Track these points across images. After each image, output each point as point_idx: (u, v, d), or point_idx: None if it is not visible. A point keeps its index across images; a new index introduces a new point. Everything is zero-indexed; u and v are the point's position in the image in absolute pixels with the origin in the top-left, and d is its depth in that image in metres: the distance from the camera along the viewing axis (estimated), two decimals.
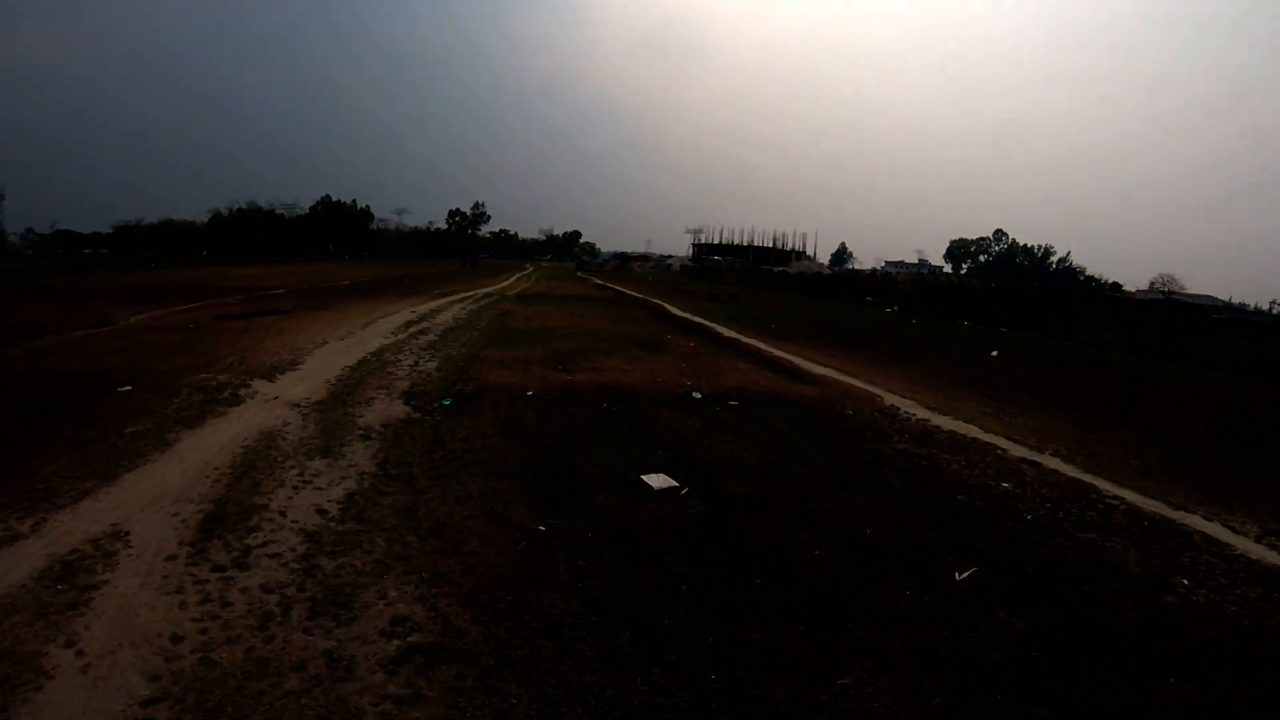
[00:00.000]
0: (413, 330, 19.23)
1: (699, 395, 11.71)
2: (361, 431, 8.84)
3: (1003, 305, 45.88)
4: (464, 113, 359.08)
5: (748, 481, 7.56)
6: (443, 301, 29.94)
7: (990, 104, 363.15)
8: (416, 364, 13.73)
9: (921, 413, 11.56)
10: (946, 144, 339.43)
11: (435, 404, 10.42)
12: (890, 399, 12.58)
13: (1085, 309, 50.08)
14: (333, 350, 14.97)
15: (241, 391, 10.68)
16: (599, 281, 61.67)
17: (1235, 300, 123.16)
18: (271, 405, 9.99)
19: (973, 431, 10.45)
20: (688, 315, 27.94)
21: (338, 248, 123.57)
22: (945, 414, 11.50)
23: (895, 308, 42.23)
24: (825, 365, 16.17)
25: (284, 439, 8.40)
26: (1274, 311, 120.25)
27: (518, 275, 68.71)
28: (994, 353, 21.65)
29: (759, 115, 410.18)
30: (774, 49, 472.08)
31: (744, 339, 20.34)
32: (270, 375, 11.92)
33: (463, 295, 34.71)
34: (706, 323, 25.01)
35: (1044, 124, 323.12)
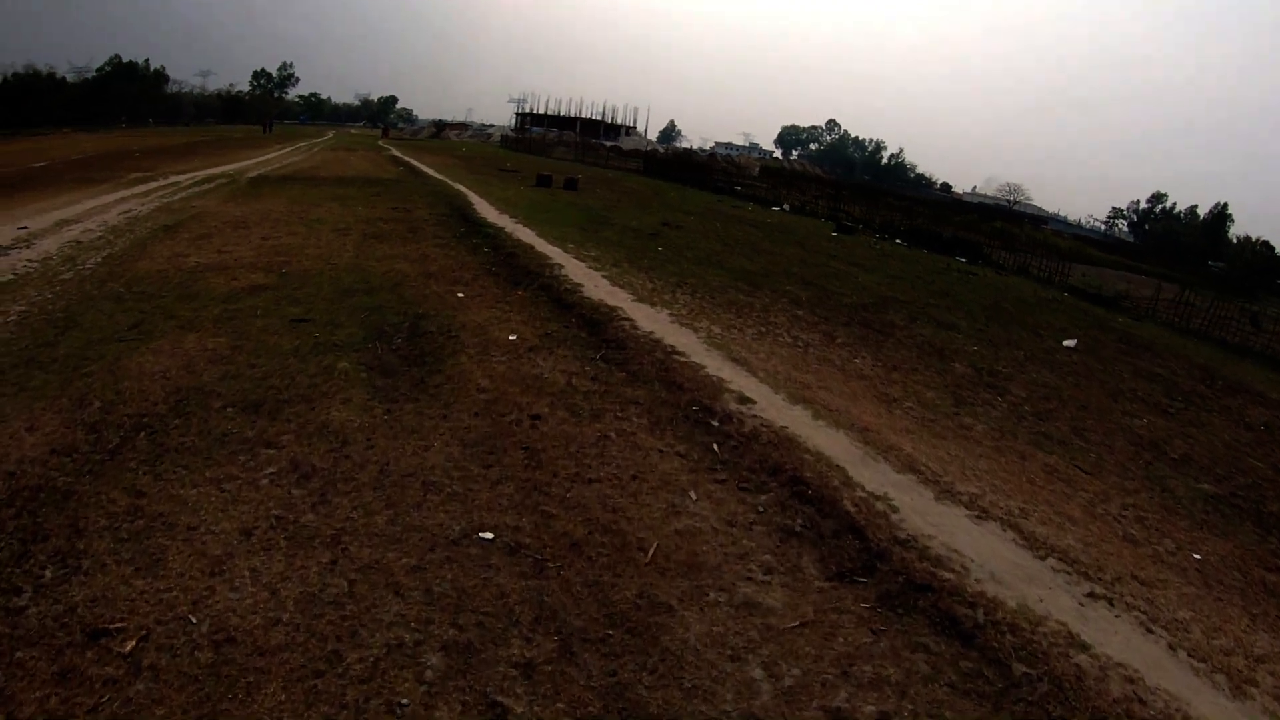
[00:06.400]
0: None
1: None
2: None
3: (895, 209, 36.15)
4: None
5: None
6: (112, 197, 17.39)
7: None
8: None
9: None
10: (781, 33, 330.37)
11: None
12: None
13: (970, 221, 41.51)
14: None
15: None
16: (396, 154, 48.20)
17: (1060, 213, 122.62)
18: None
19: None
20: (505, 221, 16.24)
21: (129, 114, 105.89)
22: None
23: (785, 207, 31.95)
24: (970, 492, 5.50)
25: None
26: (1093, 226, 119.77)
27: (303, 144, 54.85)
28: (1069, 342, 11.76)
29: None
30: None
31: (660, 327, 8.71)
32: None
33: (171, 180, 22.19)
34: (547, 245, 13.42)
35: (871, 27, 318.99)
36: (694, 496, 4.72)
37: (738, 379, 6.88)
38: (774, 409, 6.25)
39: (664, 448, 5.34)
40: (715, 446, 5.44)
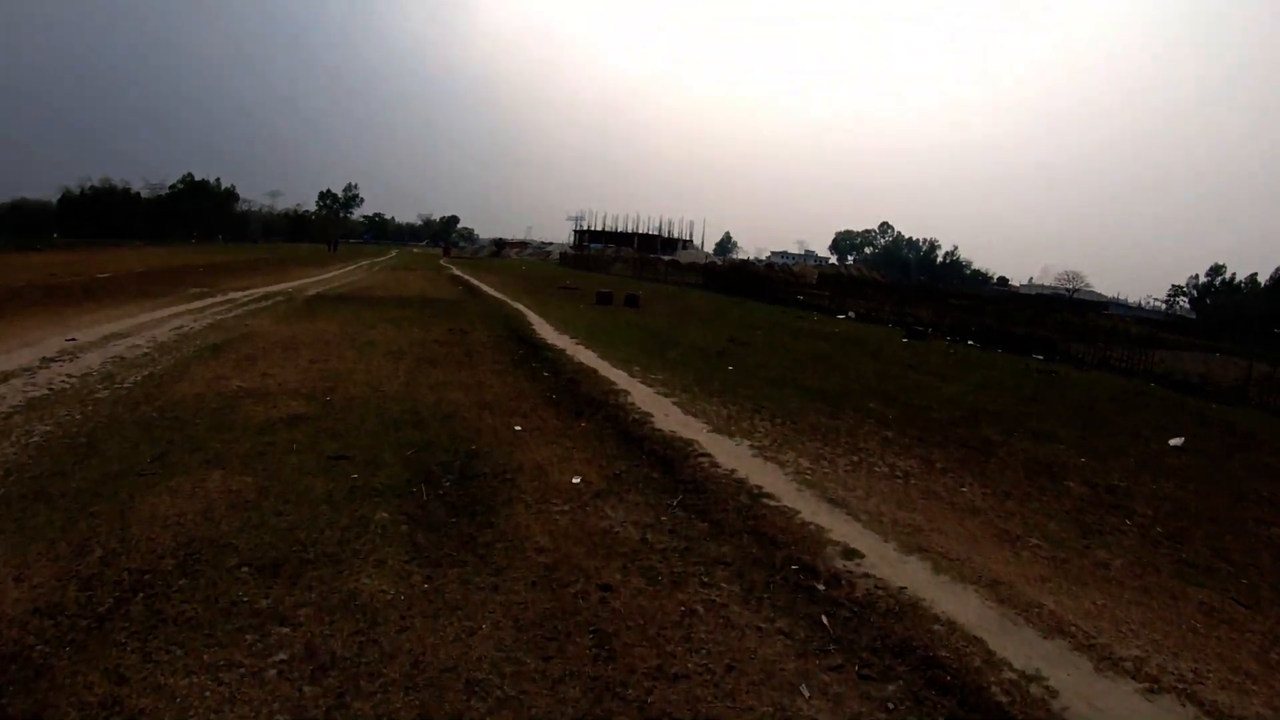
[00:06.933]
0: None
1: None
2: None
3: (958, 309, 34.99)
4: (345, 94, 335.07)
5: None
6: (167, 312, 17.42)
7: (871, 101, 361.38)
8: None
9: None
10: (829, 139, 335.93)
11: None
12: None
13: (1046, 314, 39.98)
14: None
15: None
16: (456, 272, 48.76)
17: (1120, 296, 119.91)
18: None
19: None
20: (566, 343, 15.74)
21: (200, 230, 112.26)
22: None
23: (851, 315, 31.12)
24: None
25: None
26: (1153, 306, 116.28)
27: (365, 263, 55.96)
28: (1175, 441, 10.56)
29: (642, 104, 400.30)
30: (656, 40, 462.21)
31: (742, 463, 7.93)
32: None
33: (229, 297, 22.15)
34: (610, 369, 12.80)
35: (920, 122, 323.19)
36: (806, 694, 3.73)
37: (838, 525, 5.90)
38: (886, 563, 5.25)
39: (763, 624, 4.35)
40: (824, 619, 4.44)
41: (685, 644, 4.06)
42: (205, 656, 3.68)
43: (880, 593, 4.77)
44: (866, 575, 5.02)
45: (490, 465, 6.96)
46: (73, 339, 12.47)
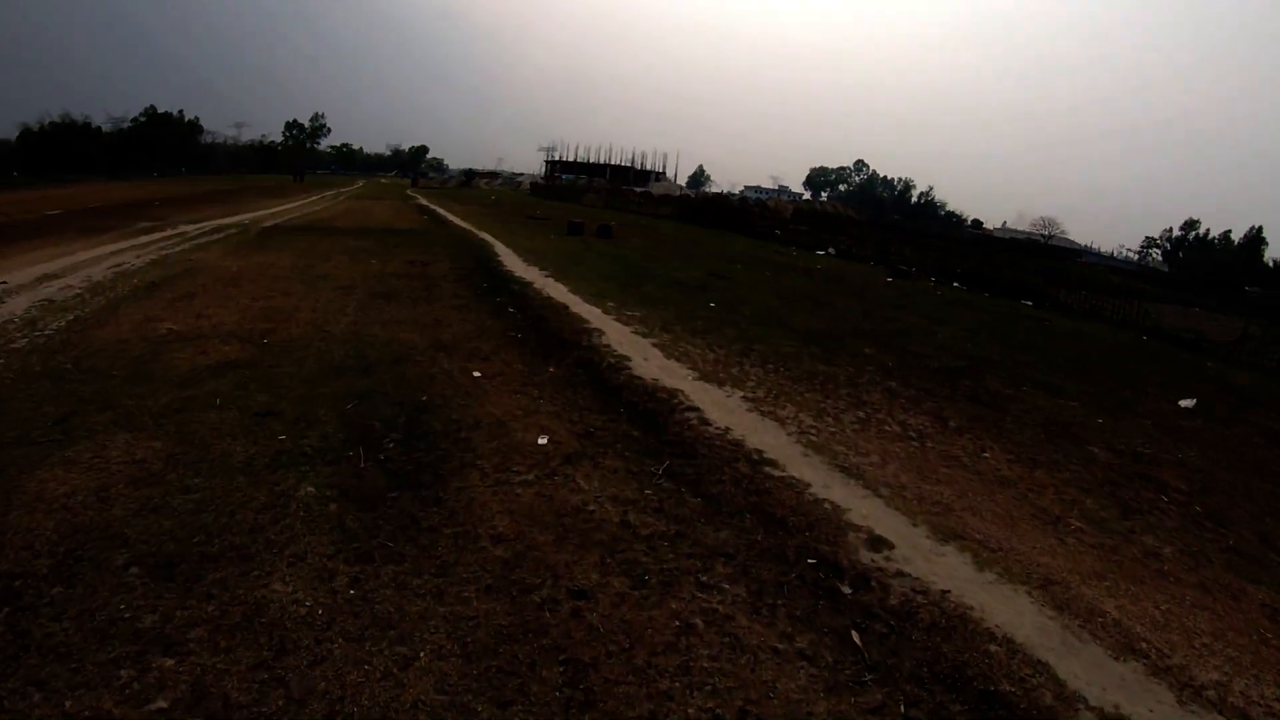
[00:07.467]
0: None
1: None
2: None
3: (937, 249, 34.17)
4: (313, 23, 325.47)
5: None
6: (109, 249, 15.90)
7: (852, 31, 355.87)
8: None
9: None
10: (805, 72, 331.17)
11: None
12: None
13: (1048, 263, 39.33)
14: None
15: None
16: (423, 202, 47.10)
17: (1093, 245, 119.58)
18: None
19: None
20: (534, 275, 14.70)
21: (164, 163, 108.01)
22: None
23: (831, 251, 30.22)
24: None
25: None
26: (1124, 257, 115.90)
27: (330, 193, 53.91)
28: (1186, 403, 9.95)
29: (616, 35, 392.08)
30: None
31: (736, 419, 7.03)
32: None
33: (179, 230, 20.61)
34: (582, 304, 11.83)
35: (896, 59, 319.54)
36: None
37: (856, 503, 4.98)
38: (921, 556, 4.35)
39: (779, 643, 3.43)
40: (856, 637, 3.53)
41: (684, 678, 3.14)
42: (67, 704, 2.78)
43: (920, 599, 3.87)
44: (900, 574, 4.11)
45: (443, 420, 5.99)
46: (3, 282, 11.24)
